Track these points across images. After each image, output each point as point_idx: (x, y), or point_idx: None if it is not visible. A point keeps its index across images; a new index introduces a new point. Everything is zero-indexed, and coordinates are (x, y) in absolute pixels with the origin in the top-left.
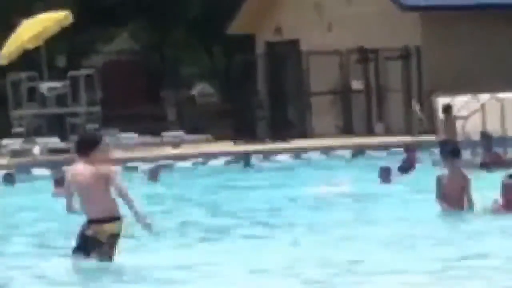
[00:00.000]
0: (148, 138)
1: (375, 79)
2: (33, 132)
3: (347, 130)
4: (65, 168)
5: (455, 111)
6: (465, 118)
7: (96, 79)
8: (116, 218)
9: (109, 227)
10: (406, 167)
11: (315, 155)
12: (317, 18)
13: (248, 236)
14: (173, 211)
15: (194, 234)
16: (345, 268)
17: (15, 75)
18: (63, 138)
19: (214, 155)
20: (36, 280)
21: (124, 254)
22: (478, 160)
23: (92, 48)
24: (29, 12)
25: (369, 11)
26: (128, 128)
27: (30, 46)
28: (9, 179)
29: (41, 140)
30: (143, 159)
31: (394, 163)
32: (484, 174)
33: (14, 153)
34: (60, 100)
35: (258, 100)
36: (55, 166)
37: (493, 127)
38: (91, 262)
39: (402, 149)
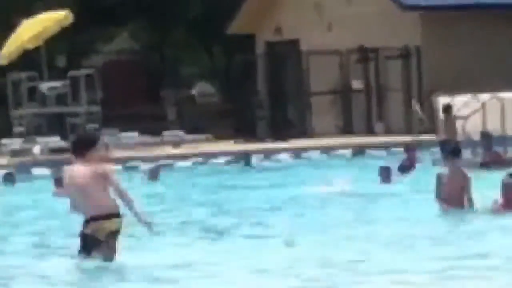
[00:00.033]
0: (148, 138)
1: (375, 79)
2: (33, 132)
3: (347, 129)
4: (65, 168)
5: (455, 111)
6: (465, 117)
7: (96, 79)
8: (114, 215)
9: (108, 224)
10: (406, 167)
11: (315, 155)
12: (317, 18)
13: (248, 236)
14: (173, 211)
15: (194, 233)
16: (345, 268)
17: (15, 75)
18: (63, 138)
19: (214, 155)
20: (36, 280)
21: (124, 254)
22: (478, 159)
23: (92, 48)
24: (29, 12)
25: (369, 11)
26: (128, 127)
27: (30, 46)
28: (9, 179)
29: (41, 139)
30: (143, 159)
31: (394, 162)
32: (484, 173)
33: (14, 153)
34: (60, 99)
35: (258, 100)
36: (55, 165)
37: (493, 127)
38: (91, 262)
39: (402, 149)
